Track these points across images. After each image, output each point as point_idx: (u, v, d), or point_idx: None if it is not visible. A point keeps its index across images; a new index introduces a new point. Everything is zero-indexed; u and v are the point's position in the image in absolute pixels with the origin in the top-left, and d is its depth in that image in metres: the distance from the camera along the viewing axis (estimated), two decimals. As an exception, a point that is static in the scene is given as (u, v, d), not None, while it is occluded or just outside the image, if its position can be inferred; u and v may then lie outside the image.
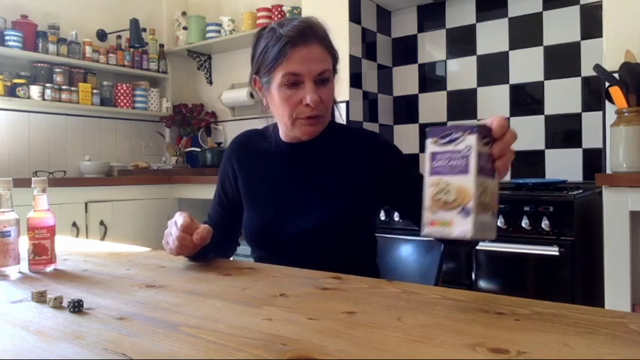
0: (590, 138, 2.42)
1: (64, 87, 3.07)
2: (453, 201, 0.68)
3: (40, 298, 0.78)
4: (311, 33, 1.10)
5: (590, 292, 1.92)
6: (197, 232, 0.99)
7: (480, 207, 0.67)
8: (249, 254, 1.26)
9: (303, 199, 1.17)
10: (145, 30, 3.54)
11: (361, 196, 1.16)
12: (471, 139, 0.68)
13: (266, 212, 1.19)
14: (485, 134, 0.70)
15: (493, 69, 2.71)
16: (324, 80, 1.12)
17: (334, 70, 1.17)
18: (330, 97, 1.15)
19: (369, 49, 2.87)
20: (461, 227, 0.67)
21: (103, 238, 2.73)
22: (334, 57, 1.16)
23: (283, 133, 1.22)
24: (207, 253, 1.08)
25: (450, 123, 2.85)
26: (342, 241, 1.15)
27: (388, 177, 1.17)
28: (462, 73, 2.82)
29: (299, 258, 1.04)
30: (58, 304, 0.75)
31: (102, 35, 3.41)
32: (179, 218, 1.01)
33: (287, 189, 1.20)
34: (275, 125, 1.25)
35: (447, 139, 0.69)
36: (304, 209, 1.15)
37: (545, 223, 1.83)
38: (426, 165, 0.71)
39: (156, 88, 3.66)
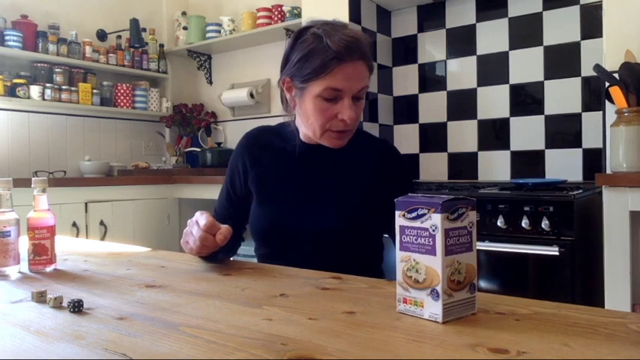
0: (590, 138, 2.42)
1: (64, 87, 3.07)
2: (423, 281, 0.66)
3: (40, 298, 0.78)
4: (358, 49, 1.07)
5: (590, 292, 1.92)
6: (220, 232, 0.97)
7: (453, 287, 0.65)
8: (249, 254, 1.26)
9: (316, 199, 1.17)
10: (145, 30, 3.54)
11: (372, 201, 1.16)
12: (437, 218, 0.64)
13: (277, 209, 1.19)
14: (455, 208, 0.65)
15: (493, 69, 2.71)
16: (361, 96, 1.12)
17: None
18: (361, 111, 1.15)
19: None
20: (431, 310, 0.65)
21: (103, 238, 2.73)
22: (371, 71, 1.15)
23: (303, 135, 1.22)
24: (217, 254, 1.07)
25: (449, 124, 2.85)
26: (350, 244, 1.15)
27: (394, 187, 1.18)
28: (462, 73, 2.82)
29: (305, 257, 1.04)
30: (58, 304, 0.75)
31: (102, 35, 3.41)
32: (201, 218, 0.98)
33: (300, 188, 1.20)
34: (293, 123, 1.24)
35: (414, 215, 0.67)
36: (316, 209, 1.16)
37: (545, 223, 1.83)
38: (396, 236, 0.69)
39: (156, 88, 3.66)
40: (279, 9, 3.17)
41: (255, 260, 1.25)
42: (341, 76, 1.06)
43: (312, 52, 1.07)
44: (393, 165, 1.24)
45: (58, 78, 3.07)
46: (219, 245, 0.98)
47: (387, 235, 1.25)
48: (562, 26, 2.50)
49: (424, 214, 0.66)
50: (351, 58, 1.06)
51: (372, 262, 1.24)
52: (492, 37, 2.70)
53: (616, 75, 1.82)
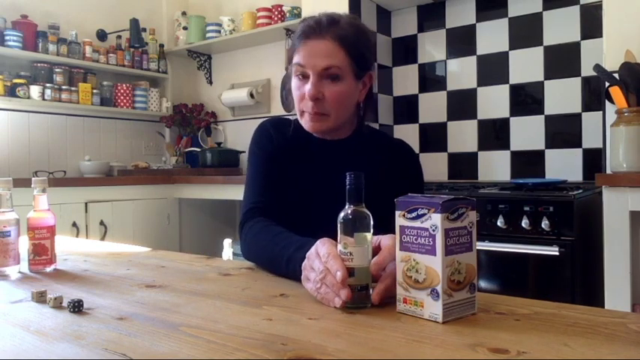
0: (590, 138, 2.42)
1: (64, 87, 3.07)
2: (423, 281, 0.66)
3: (40, 298, 0.78)
4: (323, 28, 1.10)
5: (590, 292, 1.92)
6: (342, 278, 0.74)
7: (453, 287, 0.65)
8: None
9: (323, 195, 1.16)
10: (145, 30, 3.54)
11: (380, 199, 1.16)
12: (437, 218, 0.64)
13: (286, 205, 1.18)
14: (455, 208, 0.65)
15: (493, 69, 2.71)
16: (333, 77, 1.11)
17: (358, 70, 1.13)
18: (337, 95, 1.12)
19: (369, 49, 2.87)
20: (431, 310, 0.65)
21: (103, 238, 2.73)
22: (355, 55, 1.12)
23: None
24: None
25: (449, 124, 2.85)
26: None
27: (404, 187, 1.17)
28: (462, 73, 2.82)
29: None
30: (58, 304, 0.75)
31: (102, 35, 3.41)
32: (322, 247, 0.79)
33: (308, 183, 1.19)
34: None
35: (414, 215, 0.67)
36: (322, 205, 1.15)
37: (545, 223, 1.83)
38: (396, 236, 0.70)
39: (156, 88, 3.65)
40: (279, 9, 3.16)
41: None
42: (303, 53, 1.11)
43: (292, 38, 1.17)
44: (404, 164, 1.23)
45: (58, 78, 3.07)
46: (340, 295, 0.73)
47: None
48: (562, 26, 2.50)
49: (424, 214, 0.66)
50: (314, 36, 1.10)
51: None
52: (492, 37, 2.70)
53: (616, 75, 1.82)
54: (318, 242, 0.82)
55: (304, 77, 1.12)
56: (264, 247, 1.04)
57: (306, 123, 1.16)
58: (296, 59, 1.12)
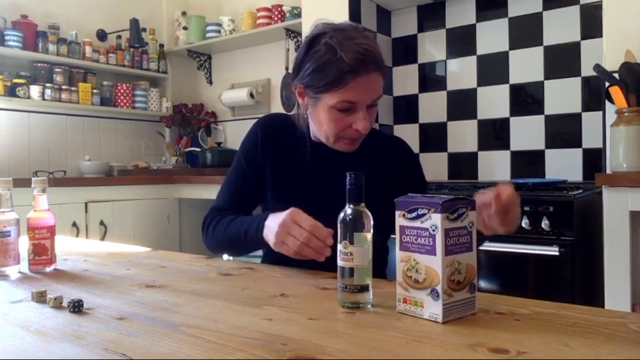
0: (590, 138, 2.42)
1: (64, 87, 3.07)
2: (423, 281, 0.66)
3: (40, 298, 0.78)
4: (373, 60, 1.06)
5: (590, 292, 1.92)
6: (328, 236, 0.94)
7: (452, 287, 0.65)
8: (249, 254, 1.25)
9: (325, 198, 1.16)
10: (145, 30, 3.54)
11: (382, 200, 1.16)
12: (437, 218, 0.64)
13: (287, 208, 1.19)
14: (455, 208, 0.66)
15: (493, 69, 2.71)
16: (375, 104, 1.12)
17: None
18: (375, 118, 1.16)
19: (369, 49, 2.86)
20: (431, 310, 0.65)
21: (103, 238, 2.73)
22: (385, 78, 1.15)
23: (313, 135, 1.22)
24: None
25: (449, 124, 2.85)
26: None
27: (406, 186, 1.18)
28: (462, 73, 2.82)
29: (312, 260, 1.03)
30: (58, 304, 0.75)
31: (102, 35, 3.41)
32: (300, 217, 0.97)
33: (310, 187, 1.19)
34: (305, 120, 1.23)
35: (414, 215, 0.67)
36: (324, 209, 1.15)
37: (545, 223, 1.83)
38: (396, 236, 0.70)
39: (156, 88, 3.65)
40: (279, 9, 3.16)
41: (254, 260, 1.25)
42: (356, 90, 1.06)
43: (326, 65, 1.06)
44: (404, 163, 1.24)
45: (58, 78, 3.07)
46: (324, 253, 0.94)
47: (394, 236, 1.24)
48: (562, 26, 2.49)
49: (424, 214, 0.66)
50: (365, 71, 1.05)
51: (375, 263, 1.23)
52: (492, 37, 2.70)
53: (616, 75, 1.82)
54: (292, 212, 0.97)
55: (346, 110, 1.09)
56: (225, 229, 1.15)
57: (342, 146, 1.16)
58: (343, 96, 1.06)
